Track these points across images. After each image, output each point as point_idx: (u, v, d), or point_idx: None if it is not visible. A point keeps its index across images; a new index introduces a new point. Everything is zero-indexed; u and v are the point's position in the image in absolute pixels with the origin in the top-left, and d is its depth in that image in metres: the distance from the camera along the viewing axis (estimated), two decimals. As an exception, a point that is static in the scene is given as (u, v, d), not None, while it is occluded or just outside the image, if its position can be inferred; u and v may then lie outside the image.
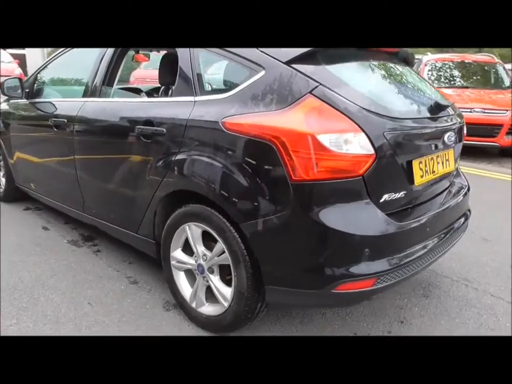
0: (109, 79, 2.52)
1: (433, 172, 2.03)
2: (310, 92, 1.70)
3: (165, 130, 2.03)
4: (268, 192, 1.70)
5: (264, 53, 1.84)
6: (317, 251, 1.68)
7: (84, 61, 2.87)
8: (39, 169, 3.12)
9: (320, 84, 1.71)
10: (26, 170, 3.32)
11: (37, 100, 3.08)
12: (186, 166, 1.94)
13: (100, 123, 2.44)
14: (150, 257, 2.55)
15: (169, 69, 2.55)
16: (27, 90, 3.12)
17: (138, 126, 2.15)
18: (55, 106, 2.86)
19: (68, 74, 3.15)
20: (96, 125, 2.47)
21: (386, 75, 2.11)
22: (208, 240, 2.02)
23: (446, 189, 2.27)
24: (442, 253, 2.08)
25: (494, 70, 8.04)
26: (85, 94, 2.61)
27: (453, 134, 2.07)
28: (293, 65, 1.77)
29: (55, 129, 2.73)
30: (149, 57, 4.37)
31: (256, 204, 1.73)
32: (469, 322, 2.28)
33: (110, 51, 2.51)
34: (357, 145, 1.65)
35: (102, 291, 2.41)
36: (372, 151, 1.66)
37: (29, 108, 3.12)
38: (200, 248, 2.02)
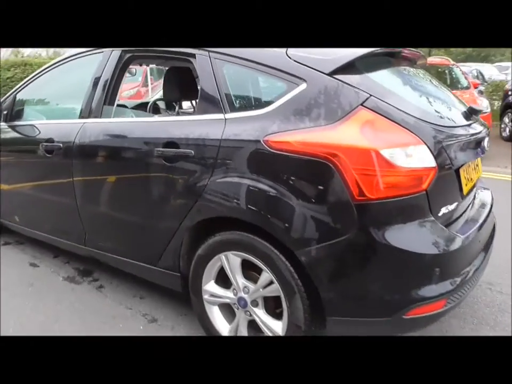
0: (110, 97, 2.28)
1: (471, 179, 1.97)
2: (362, 104, 1.58)
3: (193, 152, 1.83)
4: (328, 214, 1.56)
5: (300, 63, 1.71)
6: (386, 275, 1.55)
7: (74, 78, 2.63)
8: (26, 200, 2.79)
9: (371, 95, 1.60)
10: (9, 202, 2.95)
11: (18, 123, 2.76)
12: (224, 190, 1.76)
13: (106, 146, 2.19)
14: (162, 290, 2.36)
15: (176, 84, 2.38)
16: (5, 112, 2.79)
17: (158, 149, 1.94)
18: (44, 129, 2.57)
19: (56, 93, 2.85)
20: (101, 149, 2.22)
21: (419, 81, 2.04)
22: (247, 270, 1.84)
23: (476, 196, 2.23)
24: (486, 265, 2.01)
25: (448, 71, 8.36)
26: (83, 115, 2.35)
27: (488, 139, 2.03)
28: (337, 76, 1.65)
29: (47, 155, 2.44)
30: (134, 73, 4.09)
31: (314, 228, 1.58)
32: (508, 329, 2.23)
33: (110, 65, 2.28)
34: (419, 158, 1.55)
35: (120, 334, 2.15)
36: (434, 164, 1.57)
37: (9, 132, 2.78)
38: (240, 280, 1.84)
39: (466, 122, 1.91)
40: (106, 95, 2.27)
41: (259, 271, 1.79)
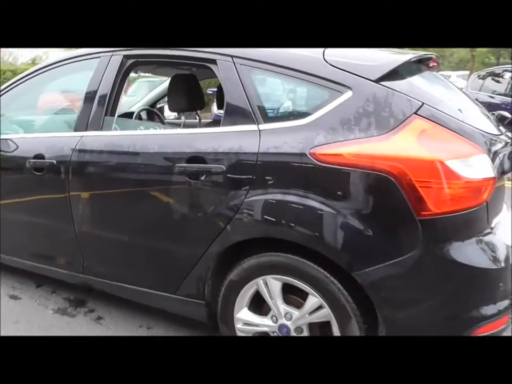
0: (112, 107, 2.05)
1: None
2: (415, 113, 1.48)
3: (224, 167, 1.66)
4: (389, 232, 1.45)
5: (342, 69, 1.59)
6: (453, 293, 1.46)
7: (61, 87, 2.35)
8: (7, 225, 2.45)
9: (424, 103, 1.51)
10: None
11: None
12: (265, 209, 1.59)
13: (113, 162, 1.95)
14: (167, 317, 2.19)
15: (183, 93, 2.19)
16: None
17: (180, 164, 1.75)
18: (26, 145, 2.27)
19: (39, 104, 2.54)
20: (107, 166, 1.97)
21: (450, 87, 1.98)
22: (285, 294, 1.69)
23: None
24: None
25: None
26: (80, 127, 2.09)
27: None
28: (384, 83, 1.55)
29: (36, 173, 2.15)
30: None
31: (374, 247, 1.46)
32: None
33: (109, 72, 2.04)
34: (481, 168, 1.47)
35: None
36: (494, 173, 1.49)
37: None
38: (281, 306, 1.68)
39: (502, 130, 1.87)
40: (108, 105, 2.03)
41: (302, 295, 1.65)
